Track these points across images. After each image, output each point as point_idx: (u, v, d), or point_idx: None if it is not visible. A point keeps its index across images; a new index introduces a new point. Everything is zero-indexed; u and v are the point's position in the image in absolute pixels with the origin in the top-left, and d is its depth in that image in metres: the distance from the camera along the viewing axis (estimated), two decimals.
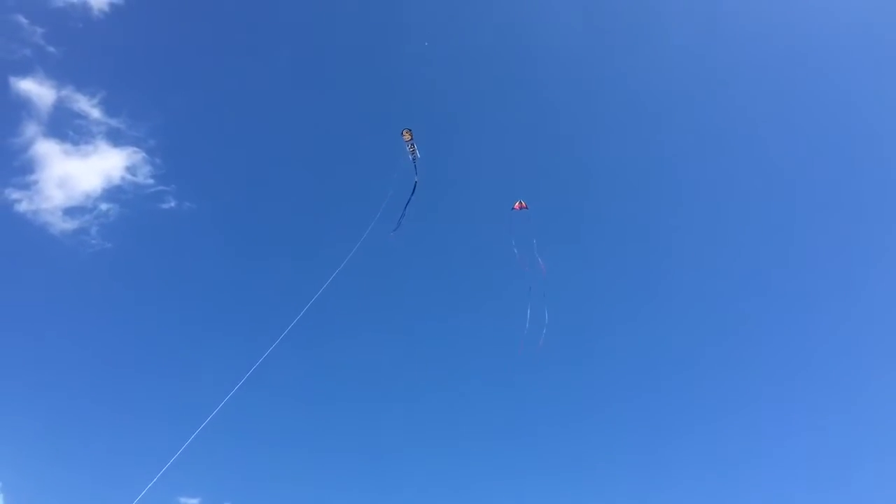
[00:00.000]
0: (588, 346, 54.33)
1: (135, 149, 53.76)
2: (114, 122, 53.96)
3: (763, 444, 48.74)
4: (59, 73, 53.22)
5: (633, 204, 58.75)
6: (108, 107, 53.92)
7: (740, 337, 53.39)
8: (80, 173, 52.55)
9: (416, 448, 49.05)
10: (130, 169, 53.30)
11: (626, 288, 56.77)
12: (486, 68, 62.12)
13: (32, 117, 52.20)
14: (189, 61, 58.73)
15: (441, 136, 59.12)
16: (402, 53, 61.52)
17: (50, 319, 49.81)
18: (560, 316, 46.40)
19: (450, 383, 52.58)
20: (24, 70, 52.59)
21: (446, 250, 58.28)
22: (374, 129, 58.77)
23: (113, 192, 52.72)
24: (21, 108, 52.16)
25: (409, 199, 34.15)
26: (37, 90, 52.52)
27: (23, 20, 52.84)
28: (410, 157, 33.97)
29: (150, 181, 53.55)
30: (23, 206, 50.71)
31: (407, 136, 33.55)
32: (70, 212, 51.49)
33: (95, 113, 53.67)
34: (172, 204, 53.81)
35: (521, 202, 34.91)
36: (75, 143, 52.94)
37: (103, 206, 52.25)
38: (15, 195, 50.79)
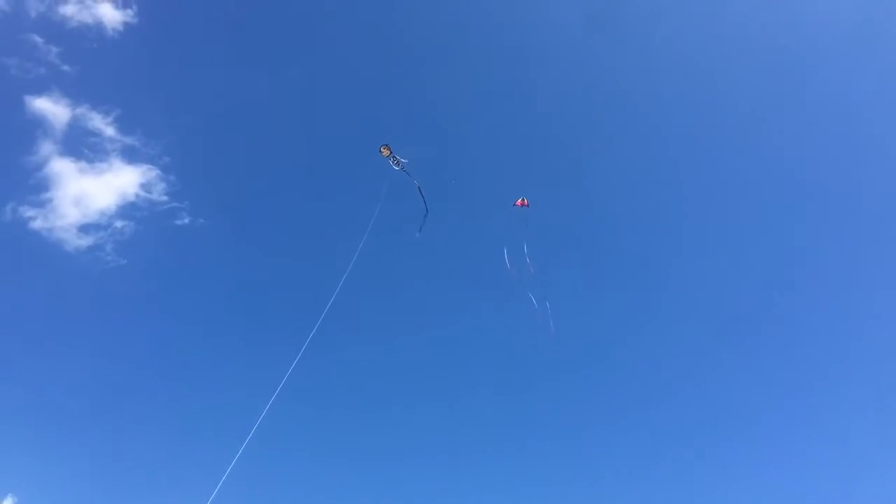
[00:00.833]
0: (597, 351, 54.49)
1: (149, 166, 54.31)
2: (128, 140, 54.55)
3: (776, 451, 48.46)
4: (73, 91, 53.90)
5: (635, 205, 59.01)
6: (123, 125, 54.56)
7: (749, 340, 53.32)
8: (94, 191, 53.13)
9: (419, 455, 49.16)
10: (145, 186, 53.82)
11: (627, 289, 56.84)
12: (486, 68, 62.49)
13: (48, 136, 52.82)
14: (202, 79, 59.33)
15: (444, 137, 60.16)
16: (412, 63, 62.27)
17: (66, 335, 50.21)
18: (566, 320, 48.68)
19: (453, 389, 52.65)
20: (39, 89, 53.22)
21: (450, 254, 58.27)
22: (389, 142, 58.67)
23: (127, 209, 53.20)
24: (36, 126, 52.81)
25: (424, 201, 35.08)
26: (52, 109, 53.18)
27: (38, 39, 53.65)
28: (397, 168, 35.06)
29: (165, 198, 54.01)
30: (38, 224, 51.23)
31: (385, 153, 34.76)
32: (85, 228, 52.01)
33: (110, 131, 54.30)
34: (186, 220, 54.28)
35: (523, 199, 35.07)
36: (90, 160, 53.55)
37: (118, 223, 52.72)
38: (30, 213, 51.33)
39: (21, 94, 52.80)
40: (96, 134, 53.90)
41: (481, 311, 55.60)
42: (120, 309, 51.80)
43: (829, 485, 45.83)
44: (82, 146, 53.47)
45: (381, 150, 34.82)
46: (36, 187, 51.88)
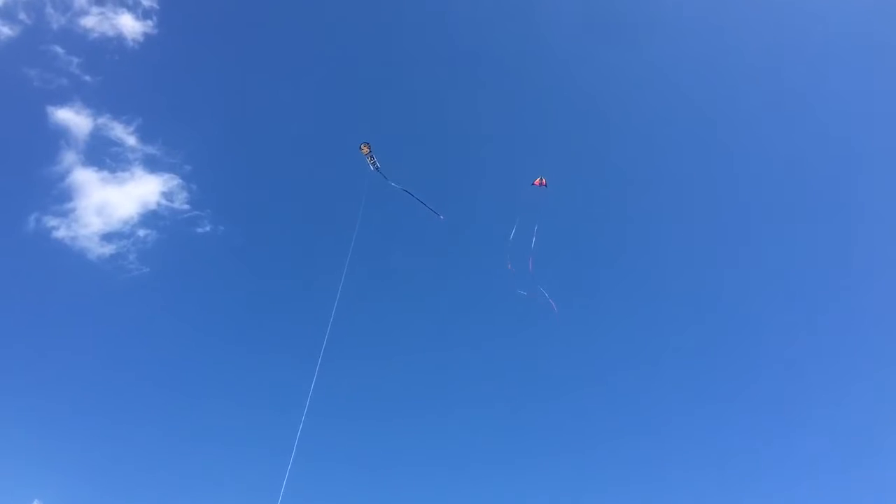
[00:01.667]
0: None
1: (170, 175, 54.79)
2: (149, 149, 55.14)
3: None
4: (95, 102, 54.58)
5: (642, 206, 59.27)
6: (144, 134, 55.18)
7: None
8: (117, 200, 53.58)
9: (425, 463, 49.07)
10: (166, 195, 54.29)
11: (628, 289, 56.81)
12: (488, 69, 62.82)
13: (70, 146, 53.46)
14: (222, 88, 60.08)
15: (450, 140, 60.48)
16: (427, 69, 62.82)
17: (90, 342, 50.51)
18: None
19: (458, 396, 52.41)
20: (62, 99, 53.99)
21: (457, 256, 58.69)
22: (410, 149, 59.45)
23: (150, 218, 53.60)
24: (59, 137, 53.55)
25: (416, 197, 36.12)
26: (74, 119, 53.87)
27: (59, 50, 54.46)
28: (372, 167, 35.66)
29: (186, 206, 54.50)
30: (61, 233, 51.73)
31: (364, 150, 35.35)
32: (108, 237, 52.42)
33: (131, 140, 54.88)
34: (207, 228, 54.68)
35: (541, 178, 35.19)
36: (112, 170, 54.08)
37: (140, 232, 53.15)
38: (53, 222, 51.84)
39: (44, 105, 53.73)
40: (118, 143, 54.68)
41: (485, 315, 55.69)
42: (143, 316, 52.30)
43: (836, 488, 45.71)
44: (104, 156, 54.21)
45: (361, 147, 35.37)
46: (59, 197, 52.63)
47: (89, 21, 54.95)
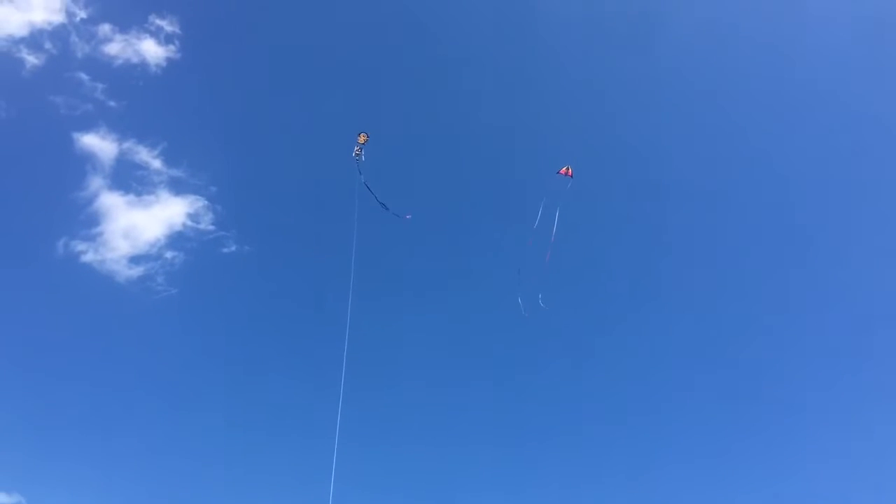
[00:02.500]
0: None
1: (196, 196, 55.21)
2: (175, 172, 55.59)
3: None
4: (120, 126, 55.09)
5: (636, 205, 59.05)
6: (169, 157, 55.62)
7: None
8: (143, 223, 53.98)
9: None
10: (192, 216, 54.62)
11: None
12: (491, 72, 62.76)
13: (97, 171, 53.96)
14: (244, 109, 60.55)
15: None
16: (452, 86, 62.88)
17: (121, 364, 50.59)
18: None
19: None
20: (87, 125, 54.51)
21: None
22: (434, 169, 60.42)
23: (176, 240, 53.91)
24: (85, 161, 54.05)
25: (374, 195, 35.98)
26: (99, 144, 54.43)
27: (84, 77, 55.20)
28: (355, 157, 35.51)
29: (212, 227, 54.81)
30: (89, 257, 52.15)
31: (362, 139, 35.36)
32: (135, 260, 52.74)
33: (157, 163, 55.35)
34: (233, 248, 54.95)
35: (567, 168, 34.83)
36: (138, 193, 54.55)
37: (168, 254, 53.42)
38: (81, 247, 52.27)
39: (70, 132, 54.27)
40: (143, 167, 55.16)
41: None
42: (173, 337, 52.54)
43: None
44: (130, 179, 54.68)
45: (360, 135, 35.17)
46: (86, 222, 53.06)
47: (113, 48, 55.84)
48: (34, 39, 53.81)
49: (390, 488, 47.53)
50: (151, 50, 56.19)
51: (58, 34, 54.55)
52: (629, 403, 51.48)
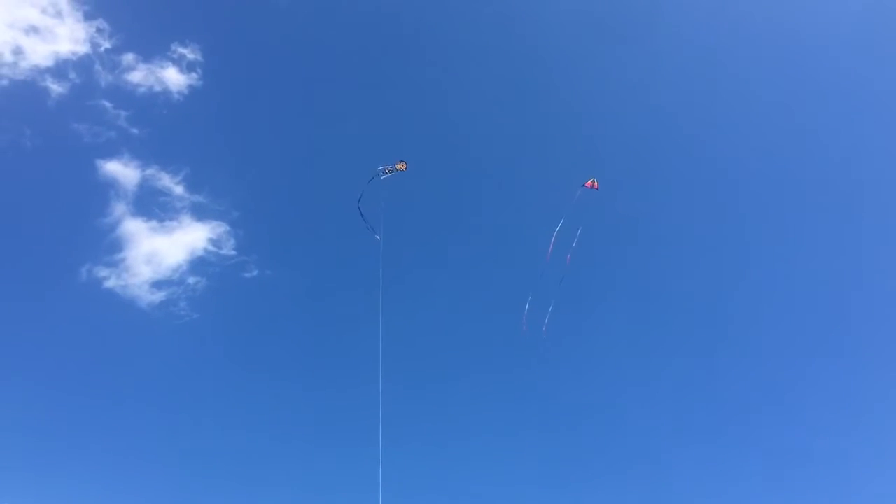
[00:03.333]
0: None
1: (218, 222, 55.49)
2: (197, 198, 55.99)
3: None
4: (143, 153, 55.69)
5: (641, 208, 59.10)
6: (191, 183, 56.12)
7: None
8: (166, 248, 54.19)
9: None
10: (214, 241, 54.85)
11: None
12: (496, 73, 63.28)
13: (120, 197, 54.36)
14: (265, 135, 61.18)
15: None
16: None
17: (141, 389, 50.40)
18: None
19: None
20: (110, 152, 55.05)
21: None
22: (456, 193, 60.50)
23: (198, 265, 54.08)
24: (108, 188, 54.51)
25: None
26: (122, 171, 54.92)
27: (107, 105, 55.91)
28: (381, 172, 35.40)
29: (234, 252, 55.00)
30: (111, 283, 52.27)
31: (401, 167, 35.31)
32: (158, 285, 52.86)
33: (179, 189, 55.76)
34: (255, 273, 55.01)
35: (593, 180, 34.49)
36: (161, 219, 54.91)
37: (190, 280, 53.54)
38: (104, 273, 52.43)
39: (93, 159, 54.83)
40: (166, 193, 55.56)
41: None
42: (195, 362, 52.42)
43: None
44: (153, 205, 55.06)
45: (400, 164, 35.17)
46: (109, 248, 53.27)
47: (136, 76, 56.66)
48: (59, 69, 54.84)
49: None
50: (174, 78, 57.18)
51: (82, 64, 55.63)
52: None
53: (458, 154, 61.69)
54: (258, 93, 61.26)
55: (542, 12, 62.46)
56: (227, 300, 54.68)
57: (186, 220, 55.18)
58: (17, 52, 53.62)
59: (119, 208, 53.93)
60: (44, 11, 54.82)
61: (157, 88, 56.69)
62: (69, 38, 55.36)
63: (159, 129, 57.40)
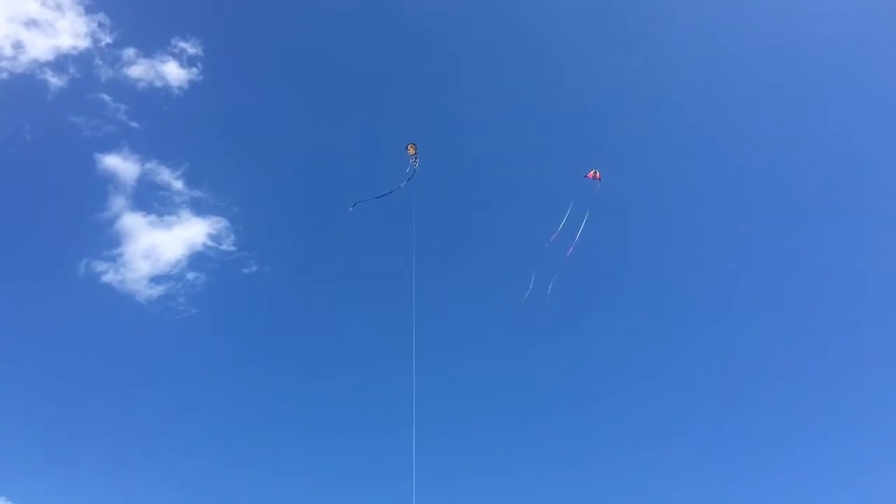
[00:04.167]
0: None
1: (217, 217, 55.14)
2: (196, 193, 55.70)
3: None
4: (142, 147, 55.31)
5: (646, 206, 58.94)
6: (191, 178, 55.72)
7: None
8: (164, 243, 53.82)
9: None
10: (214, 237, 54.50)
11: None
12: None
13: (119, 191, 53.99)
14: (266, 131, 60.99)
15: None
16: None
17: (139, 384, 50.10)
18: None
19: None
20: (109, 146, 54.68)
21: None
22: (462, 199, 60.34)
23: (197, 260, 53.71)
24: (108, 182, 54.13)
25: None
26: (122, 165, 54.52)
27: (106, 98, 55.57)
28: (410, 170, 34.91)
29: (233, 248, 54.66)
30: (109, 277, 51.87)
31: (412, 150, 34.90)
32: (156, 280, 52.49)
33: (178, 184, 55.43)
34: (254, 268, 54.72)
35: (595, 171, 34.36)
36: (160, 214, 54.53)
37: (189, 275, 53.16)
38: (101, 267, 52.02)
39: (92, 153, 54.51)
40: (165, 188, 55.25)
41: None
42: (194, 357, 52.15)
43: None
44: (152, 200, 54.67)
45: (409, 147, 34.90)
46: (108, 243, 52.92)
47: (136, 71, 56.21)
48: (59, 63, 54.48)
49: None
50: (174, 72, 56.82)
51: (82, 58, 55.26)
52: None
53: (460, 147, 61.66)
54: (258, 88, 61.38)
55: (543, 13, 62.65)
56: (226, 296, 54.55)
57: (186, 214, 55.01)
58: (17, 45, 53.46)
59: (118, 202, 53.72)
60: (44, 5, 54.72)
61: (158, 83, 56.51)
62: (70, 32, 55.17)
63: (159, 124, 57.31)
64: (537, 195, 58.25)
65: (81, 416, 47.65)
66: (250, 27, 61.33)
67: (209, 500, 45.49)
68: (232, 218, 55.19)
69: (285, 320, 55.00)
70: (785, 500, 45.15)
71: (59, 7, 55.05)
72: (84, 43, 55.19)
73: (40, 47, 54.10)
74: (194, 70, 57.15)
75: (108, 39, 55.94)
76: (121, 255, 52.43)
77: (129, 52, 56.30)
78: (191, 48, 57.41)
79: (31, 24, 54.21)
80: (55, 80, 54.00)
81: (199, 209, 55.17)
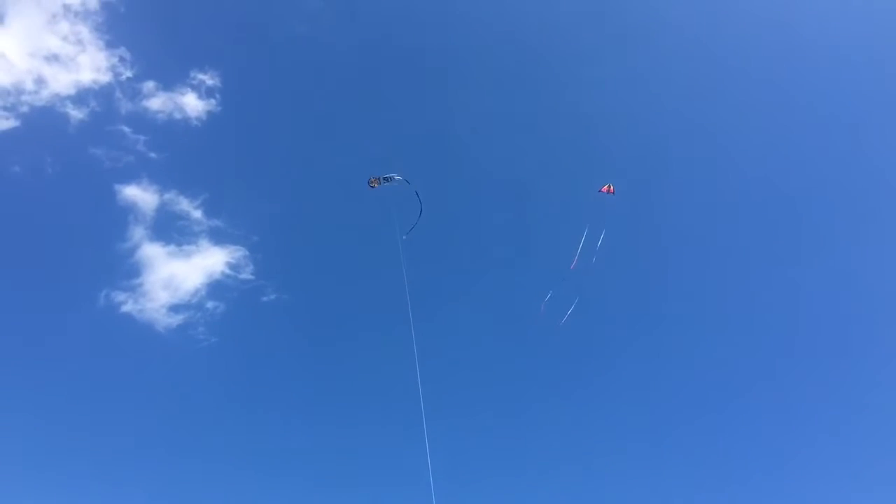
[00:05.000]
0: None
1: (236, 246, 55.52)
2: (215, 222, 56.22)
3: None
4: (161, 178, 55.97)
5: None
6: (209, 208, 56.35)
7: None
8: (184, 273, 54.21)
9: None
10: (232, 265, 54.86)
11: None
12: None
13: (138, 222, 54.59)
14: (282, 161, 61.74)
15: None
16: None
17: (159, 412, 50.10)
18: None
19: None
20: (129, 177, 55.39)
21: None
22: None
23: (216, 289, 54.04)
24: (128, 212, 54.72)
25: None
26: (141, 195, 55.19)
27: (126, 130, 56.35)
28: (389, 183, 35.01)
29: (252, 277, 54.99)
30: (129, 307, 52.17)
31: (374, 184, 34.84)
32: (175, 309, 52.79)
33: (197, 214, 56.00)
34: (272, 297, 54.97)
35: (609, 186, 35.00)
36: (179, 244, 55.01)
37: (209, 304, 53.49)
38: (121, 297, 52.43)
39: (112, 183, 55.15)
40: (184, 217, 55.80)
41: None
42: (213, 386, 52.29)
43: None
44: (171, 230, 55.24)
45: (371, 182, 34.71)
46: (128, 272, 53.38)
47: (155, 103, 57.15)
48: (80, 97, 55.40)
49: None
50: (192, 103, 57.68)
51: (103, 92, 56.16)
52: None
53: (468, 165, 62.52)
54: (276, 118, 62.05)
55: (546, 13, 63.48)
56: (245, 325, 54.81)
57: (205, 244, 55.46)
58: (39, 81, 54.38)
59: (138, 232, 54.27)
60: (65, 40, 55.73)
61: (177, 115, 57.36)
62: (90, 66, 56.12)
63: (178, 155, 58.07)
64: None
65: (101, 444, 47.62)
66: (267, 58, 62.64)
67: None
68: (250, 247, 55.77)
69: (304, 348, 55.21)
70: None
71: (80, 42, 56.24)
72: (105, 77, 56.28)
73: (62, 82, 55.21)
74: (212, 101, 58.24)
75: (128, 73, 57.06)
76: (140, 284, 52.98)
77: (149, 84, 57.41)
78: (209, 80, 58.46)
79: (53, 59, 55.37)
80: (76, 113, 55.06)
81: (218, 238, 55.79)
